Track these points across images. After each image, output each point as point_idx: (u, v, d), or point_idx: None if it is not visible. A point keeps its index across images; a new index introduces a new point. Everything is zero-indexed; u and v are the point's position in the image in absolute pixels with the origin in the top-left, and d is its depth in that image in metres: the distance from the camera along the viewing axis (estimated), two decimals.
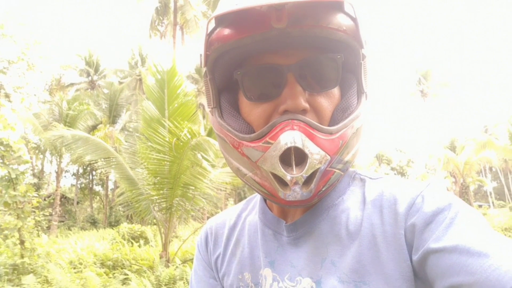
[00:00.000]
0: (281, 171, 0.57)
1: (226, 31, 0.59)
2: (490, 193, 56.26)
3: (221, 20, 0.60)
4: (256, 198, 0.83)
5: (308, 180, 0.58)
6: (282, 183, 0.59)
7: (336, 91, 0.65)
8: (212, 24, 0.61)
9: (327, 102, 0.63)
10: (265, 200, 0.77)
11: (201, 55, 0.65)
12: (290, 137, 0.56)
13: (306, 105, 0.60)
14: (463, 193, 29.98)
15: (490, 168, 57.24)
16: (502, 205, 43.99)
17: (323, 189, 0.61)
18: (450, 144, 41.25)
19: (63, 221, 25.79)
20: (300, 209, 0.69)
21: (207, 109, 0.72)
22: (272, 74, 0.61)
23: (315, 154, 0.56)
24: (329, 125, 0.61)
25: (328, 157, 0.57)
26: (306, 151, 0.56)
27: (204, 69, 0.67)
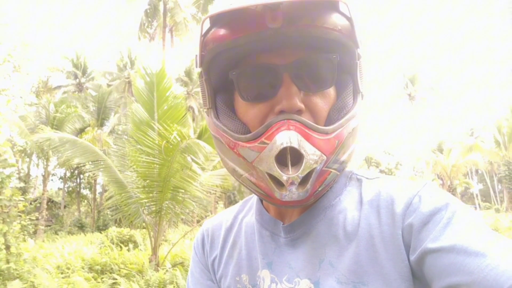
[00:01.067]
0: (277, 171, 0.57)
1: (221, 31, 0.59)
2: (476, 195, 57.10)
3: (216, 20, 0.60)
4: (252, 200, 0.82)
5: (304, 180, 0.58)
6: (278, 183, 0.58)
7: (331, 91, 0.65)
8: (207, 24, 0.61)
9: (322, 102, 0.62)
10: (261, 201, 0.77)
11: (196, 55, 0.65)
12: (286, 137, 0.56)
13: (302, 105, 0.59)
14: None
15: (477, 171, 58.17)
16: (488, 207, 44.67)
17: (319, 189, 0.61)
18: (438, 147, 41.87)
19: (50, 225, 25.35)
20: (297, 210, 0.69)
21: (203, 110, 0.71)
22: (268, 74, 0.61)
23: (311, 154, 0.56)
24: (325, 125, 0.61)
25: (324, 157, 0.57)
26: (302, 151, 0.56)
27: (199, 70, 0.66)
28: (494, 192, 55.95)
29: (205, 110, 0.70)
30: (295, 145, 0.55)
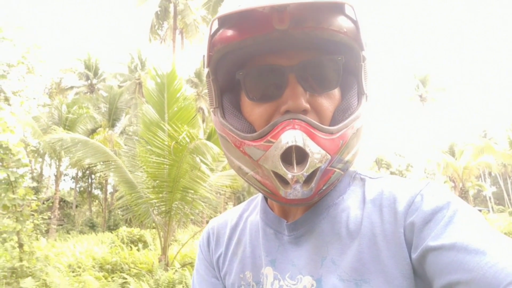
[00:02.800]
0: (282, 169, 0.58)
1: (229, 32, 0.60)
2: (490, 198, 56.22)
3: (224, 21, 0.61)
4: (257, 199, 0.83)
5: (308, 179, 0.59)
6: (283, 181, 0.59)
7: (336, 92, 0.65)
8: (215, 25, 0.62)
9: (327, 103, 0.63)
10: (266, 200, 0.78)
11: (204, 55, 0.66)
12: (291, 136, 0.57)
13: (307, 106, 0.60)
14: (463, 197, 29.96)
15: (490, 173, 57.29)
16: (502, 210, 43.96)
17: (324, 188, 0.62)
18: (449, 148, 41.29)
19: (61, 225, 25.70)
20: (300, 209, 0.70)
21: (210, 110, 0.73)
22: (274, 74, 0.62)
23: (316, 153, 0.57)
24: (329, 126, 0.62)
25: (329, 157, 0.58)
26: (307, 150, 0.57)
27: (206, 70, 0.68)
28: (508, 195, 54.98)
29: (211, 109, 0.71)
30: (300, 144, 0.56)
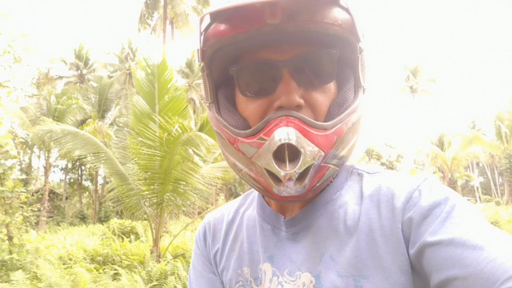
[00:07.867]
0: (274, 167, 0.57)
1: (221, 27, 0.59)
2: (477, 188, 57.27)
3: (216, 16, 0.61)
4: (253, 193, 0.83)
5: (301, 176, 0.58)
6: (276, 179, 0.59)
7: (332, 86, 0.64)
8: (207, 19, 0.61)
9: (322, 97, 0.62)
10: (263, 195, 0.77)
11: (198, 49, 0.65)
12: (284, 134, 0.56)
13: (301, 101, 0.59)
14: (451, 188, 30.49)
15: (477, 163, 58.25)
16: (489, 199, 44.85)
17: (318, 184, 0.61)
18: (438, 139, 41.77)
19: (51, 217, 25.53)
20: (298, 204, 0.69)
21: (204, 102, 0.72)
22: (267, 69, 0.61)
23: (309, 150, 0.56)
24: (325, 120, 0.61)
25: (322, 153, 0.58)
26: (300, 147, 0.56)
27: (201, 64, 0.67)
28: (495, 185, 56.08)
29: (207, 104, 0.70)
30: (293, 142, 0.56)
